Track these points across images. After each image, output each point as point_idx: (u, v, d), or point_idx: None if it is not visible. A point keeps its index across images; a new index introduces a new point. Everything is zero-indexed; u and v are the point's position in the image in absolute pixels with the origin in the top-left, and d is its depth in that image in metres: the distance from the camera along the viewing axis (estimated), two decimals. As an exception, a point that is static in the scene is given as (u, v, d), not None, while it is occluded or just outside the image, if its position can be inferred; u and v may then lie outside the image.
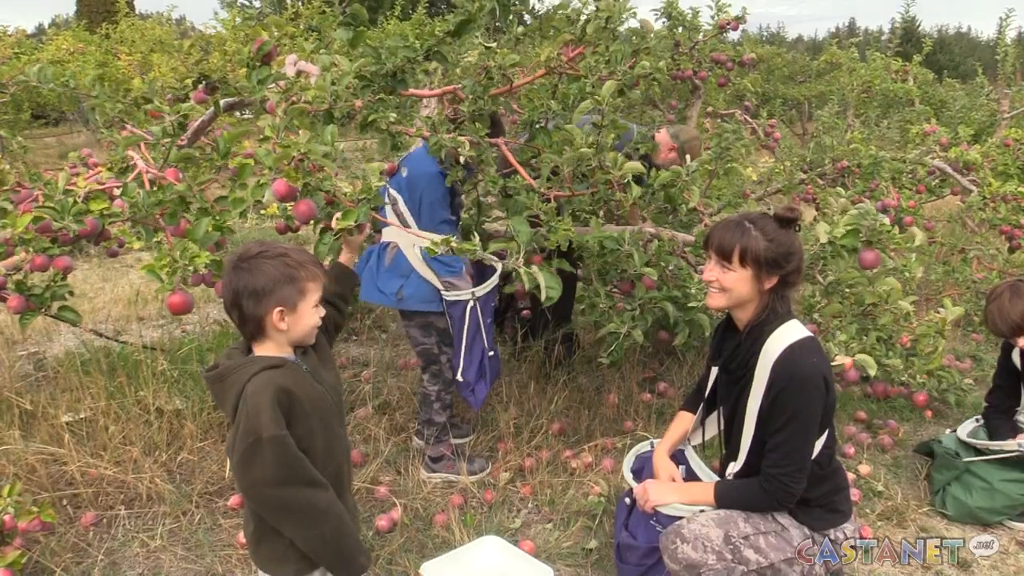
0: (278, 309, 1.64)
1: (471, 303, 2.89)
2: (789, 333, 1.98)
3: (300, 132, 1.98)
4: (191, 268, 1.90)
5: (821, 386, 1.94)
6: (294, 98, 2.21)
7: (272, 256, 1.64)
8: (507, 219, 2.93)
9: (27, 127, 9.49)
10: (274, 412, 1.56)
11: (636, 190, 2.64)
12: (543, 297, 2.22)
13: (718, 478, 2.25)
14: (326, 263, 2.10)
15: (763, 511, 2.05)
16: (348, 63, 2.35)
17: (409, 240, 2.85)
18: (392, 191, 2.92)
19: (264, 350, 1.69)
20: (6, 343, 4.28)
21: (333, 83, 2.25)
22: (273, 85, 2.30)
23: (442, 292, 2.89)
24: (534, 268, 2.18)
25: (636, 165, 2.65)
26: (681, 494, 2.15)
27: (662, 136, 3.74)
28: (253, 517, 1.70)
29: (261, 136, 2.04)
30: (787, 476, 1.97)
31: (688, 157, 3.51)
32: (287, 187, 1.93)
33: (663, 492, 2.16)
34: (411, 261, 2.87)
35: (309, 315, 1.69)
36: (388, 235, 2.94)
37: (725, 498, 2.08)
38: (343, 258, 2.11)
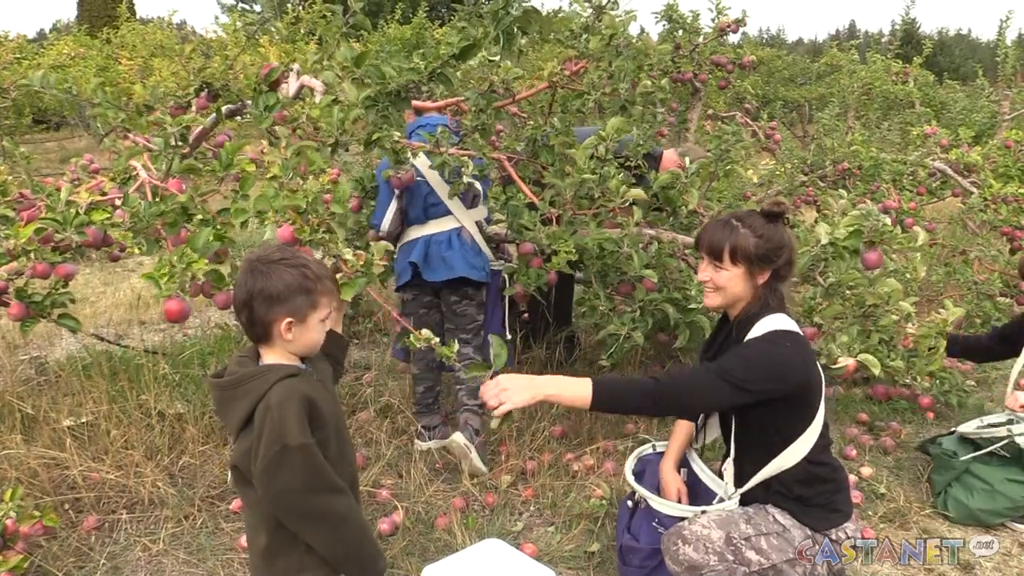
0: (288, 320, 1.63)
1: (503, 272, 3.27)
2: (774, 322, 1.99)
3: (311, 178, 1.99)
4: (188, 274, 1.89)
5: (782, 359, 1.93)
6: (299, 128, 2.22)
7: (292, 265, 1.64)
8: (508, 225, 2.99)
9: (28, 132, 9.51)
10: (301, 420, 1.56)
11: (638, 214, 2.67)
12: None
13: (722, 480, 2.25)
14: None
15: (638, 405, 1.93)
16: (354, 92, 2.35)
17: (471, 219, 3.11)
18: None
19: (271, 355, 1.69)
20: (8, 347, 4.28)
21: (340, 112, 2.26)
22: (279, 114, 2.31)
23: (490, 263, 3.22)
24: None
25: (640, 192, 2.66)
26: (546, 389, 1.86)
27: (670, 155, 3.75)
28: (266, 529, 1.67)
29: (268, 175, 2.05)
30: (687, 384, 1.91)
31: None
32: (291, 235, 1.95)
33: (522, 390, 1.84)
34: (476, 239, 3.14)
35: (316, 329, 1.69)
36: (452, 221, 3.10)
37: (604, 389, 1.87)
38: (335, 325, 2.04)
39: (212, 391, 1.73)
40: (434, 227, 3.08)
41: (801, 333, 2.04)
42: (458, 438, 3.10)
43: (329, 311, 1.71)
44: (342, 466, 1.70)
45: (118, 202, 2.11)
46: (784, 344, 1.96)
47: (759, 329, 1.99)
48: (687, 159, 3.66)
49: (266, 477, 1.57)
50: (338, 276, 2.00)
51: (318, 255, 1.98)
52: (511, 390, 1.84)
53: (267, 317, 1.63)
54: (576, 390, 1.88)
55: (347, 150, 2.45)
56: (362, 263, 1.98)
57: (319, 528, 1.62)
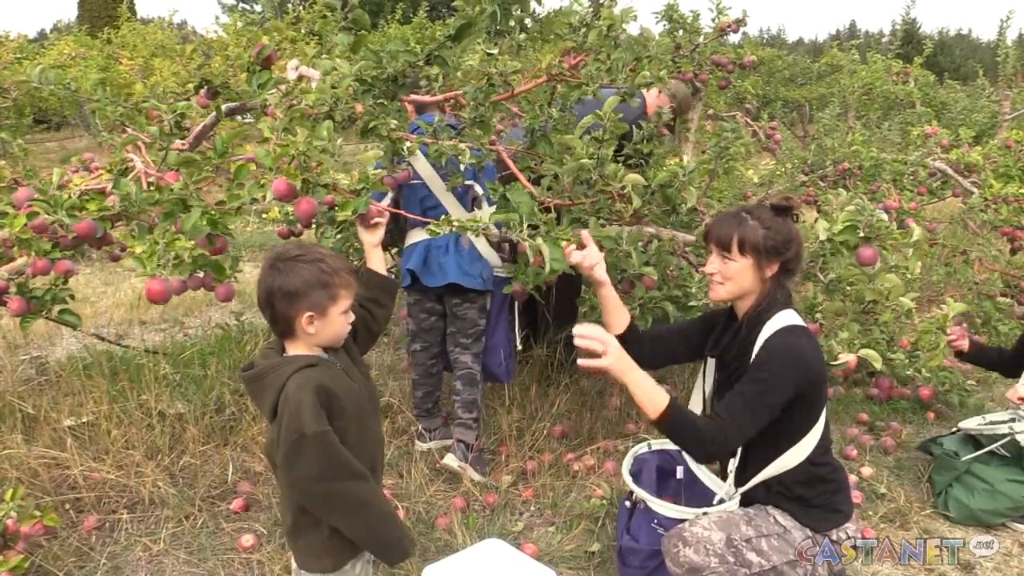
0: (308, 314, 1.68)
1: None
2: (783, 320, 2.00)
3: (299, 131, 1.98)
4: (172, 253, 1.88)
5: (799, 363, 1.93)
6: (294, 101, 2.21)
7: (308, 260, 1.69)
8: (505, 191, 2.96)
9: (29, 131, 9.51)
10: (316, 409, 1.60)
11: (637, 201, 2.66)
12: (547, 269, 2.22)
13: (719, 480, 2.25)
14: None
15: (689, 448, 1.98)
16: (348, 66, 2.35)
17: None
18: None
19: (296, 348, 1.74)
20: (9, 347, 4.28)
21: (333, 86, 2.25)
22: (274, 89, 2.30)
23: (495, 270, 3.12)
24: (538, 240, 2.19)
25: (637, 177, 2.66)
26: (631, 377, 1.94)
27: (652, 95, 3.78)
28: (291, 512, 1.74)
29: (261, 138, 2.04)
30: (728, 428, 1.92)
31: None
32: (287, 186, 1.93)
33: (615, 362, 1.93)
34: (477, 246, 3.07)
35: (338, 321, 1.73)
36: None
37: (672, 415, 1.93)
38: (372, 264, 2.11)
39: (244, 384, 1.79)
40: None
41: (808, 329, 2.04)
42: (450, 461, 3.09)
43: (350, 303, 1.75)
44: (362, 453, 1.74)
45: (110, 187, 2.10)
46: (801, 341, 1.97)
47: (770, 327, 1.99)
48: (670, 93, 3.71)
49: (286, 464, 1.63)
50: (334, 203, 2.02)
51: (317, 196, 1.98)
52: (610, 356, 1.92)
53: (288, 313, 1.68)
54: (654, 397, 1.93)
55: (344, 129, 2.43)
56: (357, 180, 1.98)
57: (340, 513, 1.68)
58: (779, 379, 1.93)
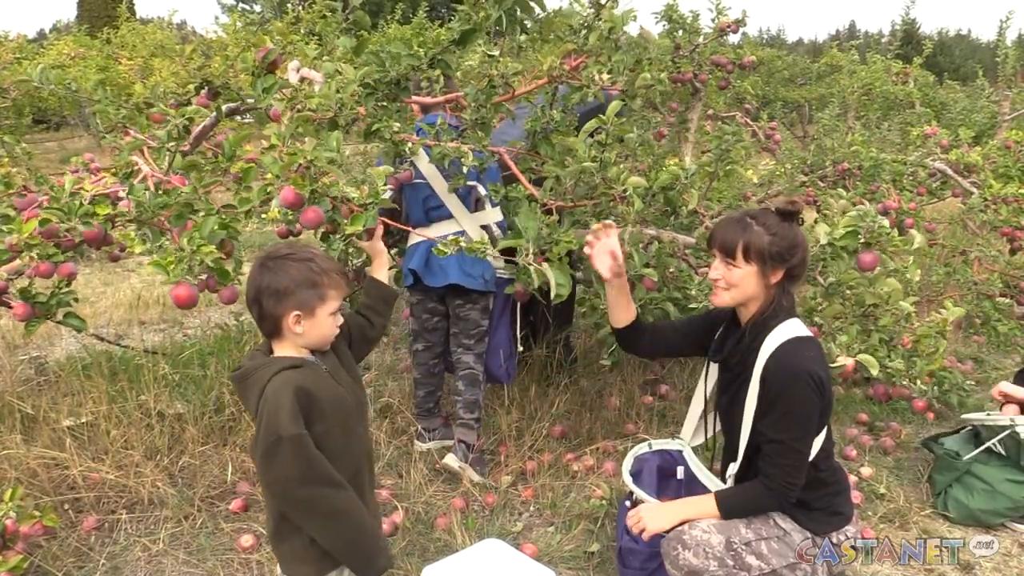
0: (295, 313, 1.67)
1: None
2: (788, 330, 1.98)
3: (307, 140, 1.99)
4: (198, 258, 1.89)
5: (815, 383, 1.93)
6: (299, 106, 2.21)
7: (298, 259, 1.68)
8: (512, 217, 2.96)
9: (28, 132, 9.51)
10: (293, 411, 1.59)
11: (638, 203, 2.66)
12: (552, 295, 2.23)
13: (719, 480, 2.25)
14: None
15: (770, 511, 2.04)
16: (352, 71, 2.36)
17: (475, 226, 3.02)
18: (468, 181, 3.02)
19: (283, 349, 1.73)
20: (8, 347, 4.28)
21: (338, 91, 2.25)
22: (278, 93, 2.30)
23: (497, 271, 3.10)
24: (544, 265, 2.18)
25: (639, 180, 2.66)
26: (681, 514, 2.08)
27: None
28: (274, 516, 1.72)
29: (267, 145, 2.04)
30: (787, 474, 1.96)
31: None
32: (295, 195, 1.94)
33: (660, 518, 2.08)
34: None
35: (325, 322, 1.72)
36: (455, 225, 3.02)
37: (729, 506, 2.05)
38: (375, 273, 2.11)
39: (233, 385, 1.77)
40: (436, 231, 3.04)
41: (814, 337, 2.04)
42: (451, 461, 3.08)
43: (339, 304, 1.74)
44: (347, 459, 1.72)
45: (122, 194, 2.11)
46: (810, 353, 1.97)
47: (774, 338, 1.98)
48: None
49: (264, 465, 1.61)
50: (344, 216, 2.02)
51: (324, 206, 1.98)
52: (648, 519, 2.07)
53: (276, 311, 1.67)
54: (706, 508, 2.06)
55: (347, 132, 2.43)
56: (367, 195, 1.99)
57: (315, 519, 1.65)
58: (805, 409, 1.94)
